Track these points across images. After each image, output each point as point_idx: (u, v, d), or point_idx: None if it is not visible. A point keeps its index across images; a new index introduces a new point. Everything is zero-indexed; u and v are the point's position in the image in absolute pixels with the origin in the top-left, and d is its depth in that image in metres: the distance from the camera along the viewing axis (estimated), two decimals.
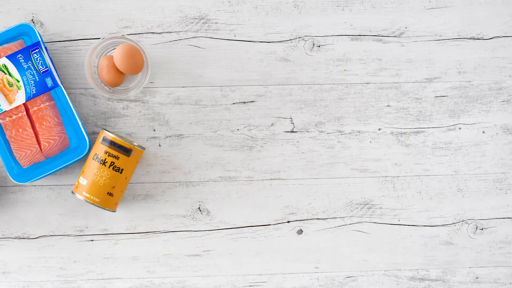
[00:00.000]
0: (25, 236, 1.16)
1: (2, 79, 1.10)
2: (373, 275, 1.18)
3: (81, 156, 1.11)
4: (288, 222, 1.18)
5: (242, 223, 1.17)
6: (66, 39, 1.15)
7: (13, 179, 1.11)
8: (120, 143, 1.08)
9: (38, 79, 1.10)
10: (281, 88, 1.17)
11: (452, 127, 1.18)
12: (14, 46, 1.11)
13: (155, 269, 1.17)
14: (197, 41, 1.16)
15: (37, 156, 1.11)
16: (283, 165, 1.17)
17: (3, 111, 1.10)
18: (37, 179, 1.12)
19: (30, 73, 1.10)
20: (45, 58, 1.10)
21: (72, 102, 1.13)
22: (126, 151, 1.09)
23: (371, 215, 1.18)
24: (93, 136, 1.15)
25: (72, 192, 1.11)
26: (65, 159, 1.11)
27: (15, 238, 1.16)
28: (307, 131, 1.17)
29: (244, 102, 1.17)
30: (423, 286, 1.18)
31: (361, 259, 1.18)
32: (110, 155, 1.08)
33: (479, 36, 1.18)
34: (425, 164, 1.18)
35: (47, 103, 1.11)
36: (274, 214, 1.17)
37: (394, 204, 1.18)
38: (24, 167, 1.12)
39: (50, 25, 1.15)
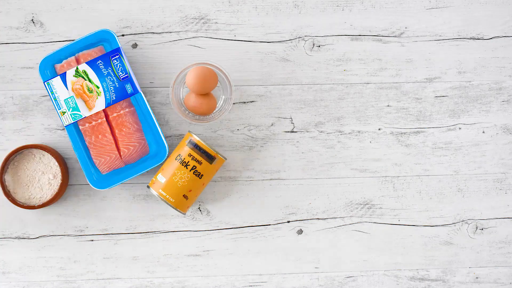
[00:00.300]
0: (25, 236, 1.16)
1: (82, 85, 1.09)
2: (373, 275, 1.18)
3: (161, 162, 1.11)
4: (288, 222, 1.18)
5: (242, 223, 1.17)
6: (66, 39, 1.15)
7: (93, 185, 1.11)
8: (205, 148, 1.08)
9: (118, 85, 1.10)
10: (281, 88, 1.17)
11: (452, 127, 1.18)
12: (94, 52, 1.10)
13: (155, 269, 1.17)
14: (197, 41, 1.16)
15: (116, 162, 1.11)
16: (283, 165, 1.17)
17: (83, 117, 1.10)
18: (116, 185, 1.12)
19: (110, 79, 1.09)
20: (125, 65, 1.10)
21: (152, 109, 1.13)
22: (210, 157, 1.08)
23: (371, 215, 1.18)
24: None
25: (148, 186, 1.11)
26: (145, 165, 1.11)
27: (15, 238, 1.16)
28: (307, 131, 1.17)
29: (244, 102, 1.17)
30: (423, 286, 1.18)
31: (361, 259, 1.18)
32: (193, 158, 1.08)
33: (479, 36, 1.18)
34: (425, 164, 1.18)
35: (127, 109, 1.11)
36: (274, 214, 1.17)
37: (394, 204, 1.18)
38: (104, 173, 1.11)
39: (50, 25, 1.15)
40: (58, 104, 1.10)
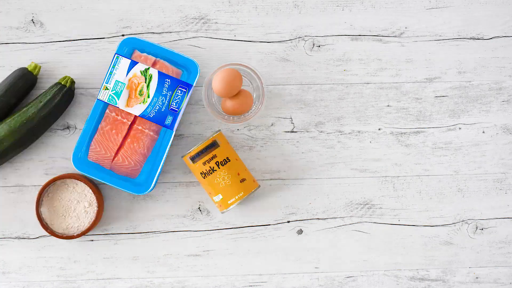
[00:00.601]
0: (25, 236, 1.16)
1: (139, 83, 1.09)
2: (373, 275, 1.18)
3: (132, 192, 1.10)
4: (288, 222, 1.17)
5: (242, 223, 1.17)
6: (66, 39, 1.15)
7: (73, 161, 1.10)
8: (202, 148, 1.09)
9: (163, 110, 1.09)
10: (281, 88, 1.17)
11: (452, 127, 1.18)
12: (171, 70, 1.10)
13: (155, 269, 1.17)
14: (197, 41, 1.16)
15: (106, 161, 1.11)
16: (283, 165, 1.17)
17: (116, 106, 1.09)
18: (87, 175, 1.11)
19: (162, 101, 1.09)
20: (183, 102, 1.10)
21: (167, 153, 1.14)
22: (213, 145, 1.09)
23: (371, 215, 1.18)
24: None
25: (222, 212, 1.12)
26: (121, 183, 1.11)
27: (15, 238, 1.16)
28: (307, 131, 1.17)
29: None
30: (423, 286, 1.18)
31: (361, 259, 1.18)
32: (208, 161, 1.09)
33: (479, 36, 1.18)
34: (425, 164, 1.18)
35: (151, 133, 1.11)
36: (274, 214, 1.17)
37: (394, 204, 1.18)
38: (88, 159, 1.11)
39: (50, 25, 1.15)
40: (108, 79, 1.09)
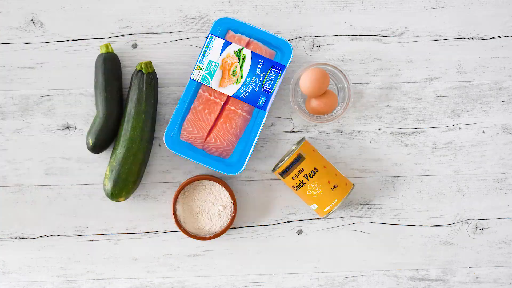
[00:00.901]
0: (25, 236, 1.16)
1: (232, 64, 1.09)
2: (373, 275, 1.18)
3: (225, 173, 1.10)
4: (288, 222, 1.17)
5: (242, 223, 1.17)
6: (66, 39, 1.15)
7: (165, 141, 1.10)
8: (288, 164, 1.08)
9: (256, 91, 1.09)
10: (281, 88, 1.17)
11: (452, 127, 1.18)
12: (265, 50, 1.10)
13: (155, 269, 1.17)
14: (197, 41, 1.16)
15: (198, 140, 1.11)
16: None
17: (209, 86, 1.09)
18: (180, 155, 1.11)
19: (256, 81, 1.09)
20: (277, 82, 1.09)
21: (260, 133, 1.13)
22: (299, 159, 1.08)
23: (371, 215, 1.18)
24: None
25: (324, 218, 1.13)
26: (214, 163, 1.11)
27: (15, 238, 1.15)
28: (307, 131, 1.17)
29: None
30: (423, 286, 1.18)
31: (361, 259, 1.18)
32: (297, 175, 1.09)
33: (479, 36, 1.18)
34: (425, 164, 1.18)
35: (244, 114, 1.11)
36: (274, 214, 1.17)
37: (394, 204, 1.18)
38: (180, 139, 1.11)
39: (50, 25, 1.15)
40: (201, 59, 1.09)
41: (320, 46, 1.17)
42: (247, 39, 1.11)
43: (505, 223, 1.18)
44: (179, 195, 1.12)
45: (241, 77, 1.09)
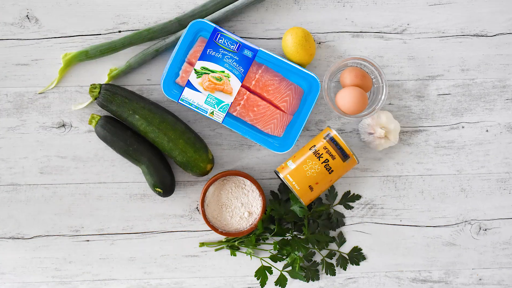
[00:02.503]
0: (19, 236, 1.14)
1: (210, 80, 1.09)
2: (374, 276, 1.17)
3: (318, 93, 1.10)
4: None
5: None
6: (62, 36, 1.14)
7: (280, 151, 1.11)
8: (342, 145, 1.08)
9: (238, 58, 1.10)
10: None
11: (455, 126, 1.17)
12: (199, 47, 1.10)
13: (152, 270, 1.15)
14: None
15: (284, 119, 1.11)
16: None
17: (230, 104, 1.10)
18: (298, 138, 1.12)
19: (228, 58, 1.09)
20: (231, 37, 1.10)
21: (276, 55, 1.11)
22: (344, 155, 1.08)
23: (372, 215, 1.17)
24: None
25: (275, 171, 1.11)
26: (307, 105, 1.11)
27: (9, 238, 1.14)
28: (308, 130, 1.16)
29: None
30: None
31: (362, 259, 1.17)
32: (328, 152, 1.08)
33: (483, 33, 1.17)
34: (427, 164, 1.17)
35: (259, 71, 1.11)
36: None
37: (396, 204, 1.17)
38: (281, 136, 1.11)
39: (46, 21, 1.14)
40: (203, 110, 1.10)
41: (321, 43, 1.16)
42: (185, 63, 1.10)
43: (509, 223, 1.17)
44: (219, 179, 1.12)
45: (223, 72, 1.10)
